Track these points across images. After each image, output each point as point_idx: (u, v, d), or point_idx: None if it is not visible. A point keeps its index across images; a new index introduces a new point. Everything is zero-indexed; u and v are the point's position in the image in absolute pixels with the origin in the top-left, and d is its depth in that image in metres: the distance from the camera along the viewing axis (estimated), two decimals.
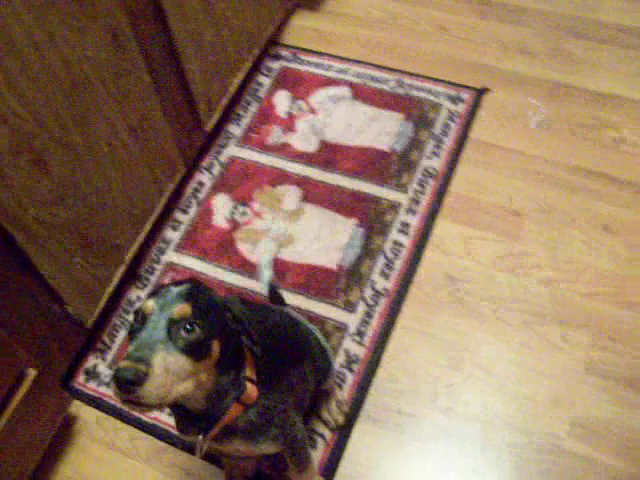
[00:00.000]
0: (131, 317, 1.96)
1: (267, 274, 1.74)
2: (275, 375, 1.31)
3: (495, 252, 1.99)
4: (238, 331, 1.15)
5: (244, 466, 1.67)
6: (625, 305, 1.87)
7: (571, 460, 1.66)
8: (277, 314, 1.53)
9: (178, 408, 1.20)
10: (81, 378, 1.90)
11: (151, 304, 1.04)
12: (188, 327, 1.02)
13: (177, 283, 1.10)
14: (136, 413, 1.78)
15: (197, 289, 1.10)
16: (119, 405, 1.83)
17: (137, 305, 1.98)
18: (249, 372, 1.20)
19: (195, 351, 1.03)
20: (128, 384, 0.94)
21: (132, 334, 1.04)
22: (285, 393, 1.34)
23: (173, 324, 1.02)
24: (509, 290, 1.92)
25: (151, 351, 0.98)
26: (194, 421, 1.20)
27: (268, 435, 1.28)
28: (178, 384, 1.00)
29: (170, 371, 0.99)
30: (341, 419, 1.73)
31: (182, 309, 1.04)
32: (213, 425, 1.18)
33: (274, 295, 1.75)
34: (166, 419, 1.79)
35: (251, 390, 1.19)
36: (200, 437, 1.19)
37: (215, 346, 1.07)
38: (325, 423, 1.74)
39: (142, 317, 1.04)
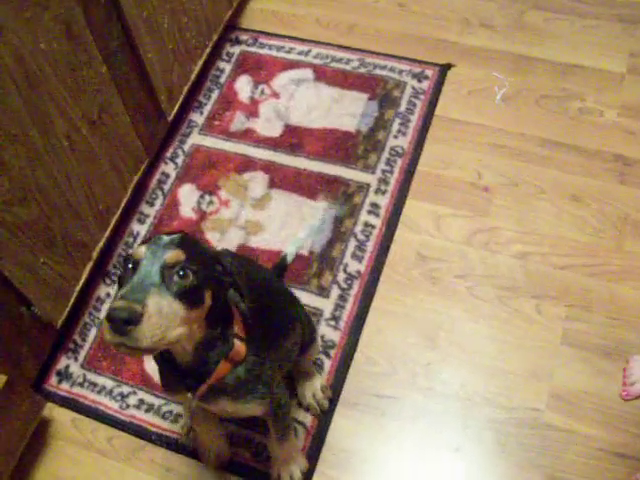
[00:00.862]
0: (103, 312, 1.93)
1: (290, 254, 1.92)
2: (263, 332, 1.30)
3: (466, 228, 1.98)
4: (228, 283, 1.14)
5: (219, 451, 1.66)
6: (597, 275, 1.87)
7: (552, 432, 1.66)
8: (265, 272, 1.54)
9: (166, 364, 1.19)
10: (53, 380, 1.86)
11: (143, 250, 1.03)
12: (181, 273, 1.01)
13: (168, 233, 1.09)
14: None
15: (189, 238, 1.10)
16: (93, 405, 1.80)
17: (108, 302, 1.95)
18: (237, 329, 1.20)
19: (188, 298, 1.02)
20: (123, 324, 0.93)
21: (122, 279, 1.03)
22: (272, 351, 1.34)
23: (166, 269, 1.01)
24: (482, 266, 1.91)
25: (145, 293, 0.97)
26: (182, 378, 1.19)
27: (256, 394, 1.28)
28: (171, 330, 0.99)
29: (164, 315, 0.98)
30: (326, 404, 1.72)
31: (176, 255, 1.03)
32: (201, 382, 1.17)
33: (281, 270, 1.86)
34: (143, 416, 1.77)
35: (239, 347, 1.19)
36: (189, 395, 1.19)
37: (207, 296, 1.07)
38: (307, 409, 1.72)
39: (133, 263, 1.03)
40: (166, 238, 1.06)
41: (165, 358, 1.18)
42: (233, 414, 1.36)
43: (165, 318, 0.97)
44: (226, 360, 1.18)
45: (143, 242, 1.07)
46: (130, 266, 1.03)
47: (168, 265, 1.01)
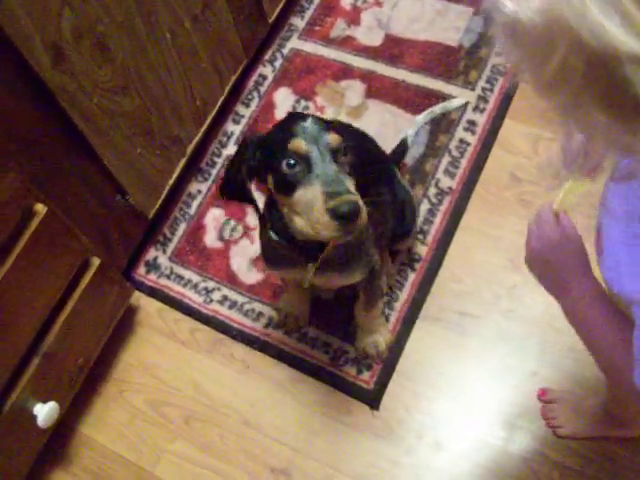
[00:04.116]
0: (193, 209, 1.95)
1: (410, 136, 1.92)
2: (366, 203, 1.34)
3: None
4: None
5: (300, 316, 1.76)
6: None
7: None
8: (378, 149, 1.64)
9: (284, 241, 1.23)
10: (142, 269, 1.92)
11: (303, 144, 1.05)
12: (344, 152, 1.07)
13: (298, 118, 1.11)
14: (210, 306, 1.81)
15: (324, 119, 1.14)
16: (178, 297, 1.85)
17: (199, 199, 1.98)
18: None
19: (353, 173, 1.08)
20: (352, 218, 0.99)
21: (294, 177, 1.06)
22: (377, 226, 1.41)
23: (334, 153, 1.05)
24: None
25: (344, 184, 1.02)
26: (300, 253, 1.24)
27: (360, 263, 1.34)
28: None
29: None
30: (386, 353, 1.71)
31: (335, 138, 1.07)
32: (319, 255, 1.23)
33: (400, 154, 1.89)
34: (226, 312, 1.81)
35: None
36: (310, 265, 1.25)
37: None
38: (364, 354, 1.72)
39: (298, 158, 1.05)
40: (310, 125, 1.08)
41: (284, 235, 1.21)
42: (335, 285, 1.45)
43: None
44: None
45: (284, 136, 1.08)
46: (292, 162, 1.05)
47: (334, 149, 1.05)
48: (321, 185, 1.02)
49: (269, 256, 1.38)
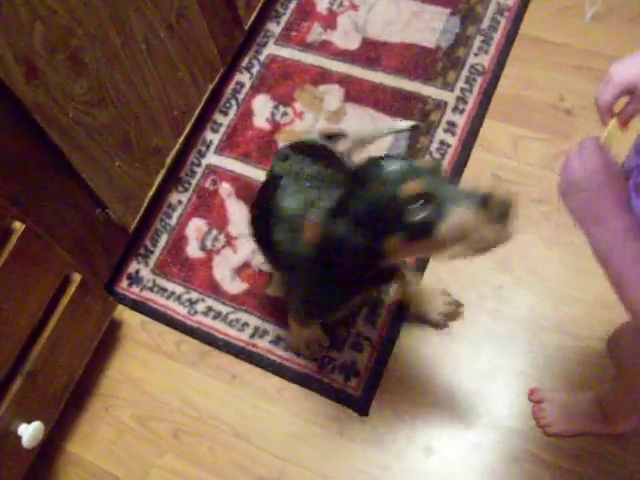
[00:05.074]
0: (174, 219, 1.94)
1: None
2: None
3: (545, 152, 1.92)
4: None
5: (320, 340, 1.74)
6: None
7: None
8: None
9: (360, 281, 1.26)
10: (124, 283, 1.90)
11: (416, 182, 1.02)
12: (439, 166, 1.11)
13: (373, 167, 1.10)
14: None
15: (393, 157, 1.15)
16: (162, 309, 1.84)
17: (179, 209, 1.96)
18: None
19: None
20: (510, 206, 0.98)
21: (430, 216, 1.01)
22: None
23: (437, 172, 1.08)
24: None
25: (466, 190, 1.02)
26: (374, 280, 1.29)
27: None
28: None
29: None
30: (453, 309, 1.75)
31: (426, 161, 1.13)
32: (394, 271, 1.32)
33: None
34: (210, 322, 1.80)
35: None
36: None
37: None
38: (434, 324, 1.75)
39: (420, 197, 1.02)
40: (394, 163, 1.07)
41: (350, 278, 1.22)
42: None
43: None
44: None
45: (375, 198, 1.06)
46: (421, 203, 1.01)
47: (435, 169, 1.07)
48: (460, 205, 0.98)
49: (327, 306, 1.39)
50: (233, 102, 2.12)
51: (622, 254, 0.87)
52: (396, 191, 1.02)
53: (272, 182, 1.46)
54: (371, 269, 1.19)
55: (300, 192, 1.37)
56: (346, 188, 1.14)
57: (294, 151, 1.52)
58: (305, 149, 1.54)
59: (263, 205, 1.47)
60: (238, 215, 1.93)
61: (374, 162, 1.11)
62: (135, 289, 1.88)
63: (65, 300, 1.49)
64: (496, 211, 0.96)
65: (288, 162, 1.47)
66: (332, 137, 1.77)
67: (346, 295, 1.34)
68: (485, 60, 2.09)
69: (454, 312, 1.72)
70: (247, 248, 1.88)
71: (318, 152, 1.59)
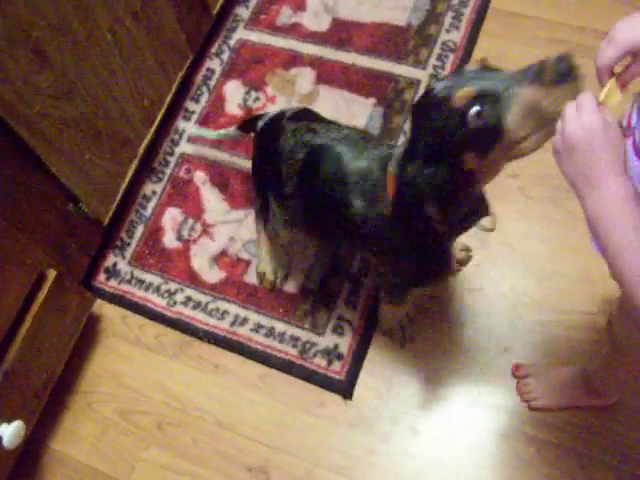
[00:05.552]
0: (149, 210, 1.92)
1: None
2: None
3: None
4: None
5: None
6: None
7: (605, 336, 1.63)
8: None
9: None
10: (102, 277, 1.88)
11: (468, 88, 0.98)
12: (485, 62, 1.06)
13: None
14: None
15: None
16: (141, 302, 1.82)
17: (154, 200, 1.94)
18: None
19: None
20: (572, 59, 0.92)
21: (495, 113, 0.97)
22: None
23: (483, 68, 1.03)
24: (535, 165, 1.84)
25: (513, 72, 0.97)
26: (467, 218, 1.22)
27: None
28: None
29: None
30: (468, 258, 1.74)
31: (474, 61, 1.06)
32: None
33: None
34: (190, 313, 1.79)
35: None
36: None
37: None
38: None
39: (475, 100, 0.97)
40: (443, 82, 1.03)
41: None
42: None
43: None
44: None
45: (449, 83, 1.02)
46: (480, 105, 0.97)
47: (484, 65, 1.04)
48: (516, 88, 0.94)
49: (428, 269, 1.30)
50: (204, 89, 2.10)
51: (618, 221, 0.83)
52: (451, 105, 0.98)
53: (320, 154, 1.35)
54: (461, 204, 1.14)
55: (360, 151, 1.31)
56: (411, 125, 1.09)
57: (291, 121, 1.47)
58: (296, 116, 1.52)
59: (327, 182, 1.34)
60: (213, 203, 1.91)
61: (427, 89, 1.06)
62: (113, 282, 1.86)
63: (41, 297, 1.47)
64: (556, 73, 0.91)
65: (304, 133, 1.40)
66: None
67: (444, 248, 1.26)
68: (457, 37, 2.07)
69: (466, 257, 1.72)
70: (224, 236, 1.86)
71: (308, 114, 1.59)
